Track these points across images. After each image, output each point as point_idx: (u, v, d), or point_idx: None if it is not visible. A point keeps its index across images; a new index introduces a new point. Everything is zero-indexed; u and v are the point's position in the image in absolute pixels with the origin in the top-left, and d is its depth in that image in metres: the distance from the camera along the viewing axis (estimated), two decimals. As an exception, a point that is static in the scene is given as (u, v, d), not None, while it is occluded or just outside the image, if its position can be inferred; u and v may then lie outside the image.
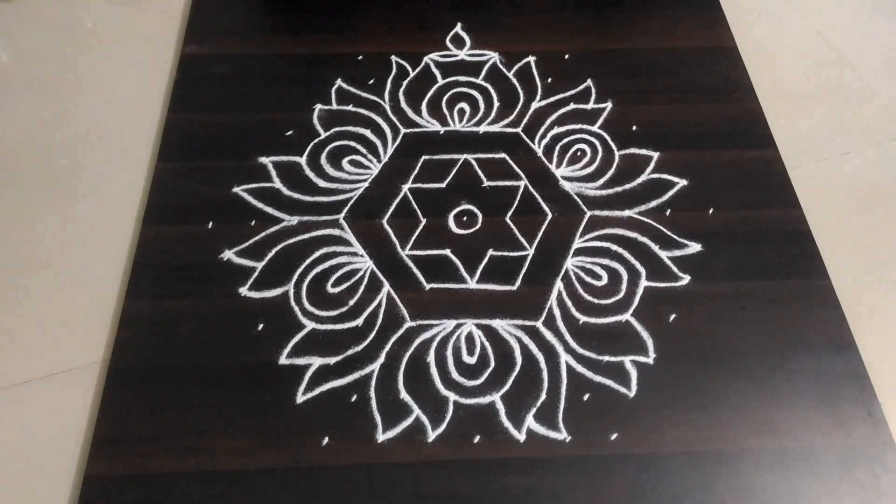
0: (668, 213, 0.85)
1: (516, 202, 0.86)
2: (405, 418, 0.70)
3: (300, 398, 0.71)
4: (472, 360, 0.74)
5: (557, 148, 0.91)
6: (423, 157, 0.89)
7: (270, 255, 0.81)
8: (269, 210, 0.84)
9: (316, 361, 0.73)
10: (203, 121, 0.92)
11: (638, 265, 0.81)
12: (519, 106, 0.95)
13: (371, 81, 0.97)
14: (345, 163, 0.89)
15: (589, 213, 0.85)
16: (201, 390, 0.71)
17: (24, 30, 1.05)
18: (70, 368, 0.74)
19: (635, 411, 0.71)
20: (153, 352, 0.74)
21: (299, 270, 0.80)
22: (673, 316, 0.77)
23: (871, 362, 0.75)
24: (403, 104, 0.95)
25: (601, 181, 0.88)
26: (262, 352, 0.74)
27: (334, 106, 0.95)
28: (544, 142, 0.91)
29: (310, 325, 0.76)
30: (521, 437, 0.69)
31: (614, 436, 0.70)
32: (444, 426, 0.70)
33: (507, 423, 0.70)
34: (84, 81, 0.99)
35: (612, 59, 1.01)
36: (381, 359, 0.74)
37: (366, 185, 0.87)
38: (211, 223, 0.83)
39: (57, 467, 0.68)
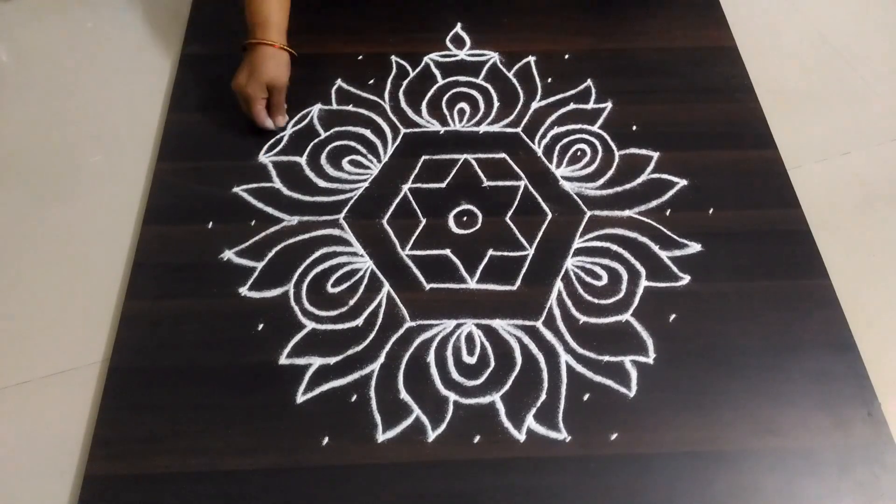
0: (668, 213, 0.85)
1: (516, 202, 0.86)
2: (405, 418, 0.70)
3: (300, 398, 0.71)
4: (472, 360, 0.74)
5: (557, 148, 0.91)
6: (423, 157, 0.89)
7: (270, 255, 0.81)
8: (269, 210, 0.84)
9: (316, 361, 0.73)
10: (203, 121, 0.92)
11: (638, 265, 0.81)
12: (519, 106, 0.95)
13: (371, 81, 0.97)
14: (345, 163, 0.89)
15: (589, 213, 0.85)
16: (201, 390, 0.71)
17: (24, 30, 1.05)
18: (70, 368, 0.74)
19: (635, 411, 0.71)
20: (153, 352, 0.74)
21: (299, 270, 0.80)
22: (673, 316, 0.77)
23: (871, 362, 0.75)
24: (403, 104, 0.95)
25: (601, 181, 0.88)
26: (262, 352, 0.74)
27: (334, 106, 0.95)
28: (544, 142, 0.91)
29: (310, 325, 0.76)
30: (521, 437, 0.69)
31: (614, 436, 0.70)
32: (444, 426, 0.70)
33: (507, 423, 0.70)
34: (84, 81, 0.99)
35: (612, 59, 1.01)
36: (381, 359, 0.74)
37: (366, 185, 0.87)
38: (211, 223, 0.83)
39: (57, 467, 0.68)
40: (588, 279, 0.80)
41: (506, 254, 0.82)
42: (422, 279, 0.79)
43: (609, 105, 0.95)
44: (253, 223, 0.83)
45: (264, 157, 0.89)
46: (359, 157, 0.90)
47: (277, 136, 0.91)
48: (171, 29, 1.04)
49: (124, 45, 1.03)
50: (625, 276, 0.80)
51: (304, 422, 0.70)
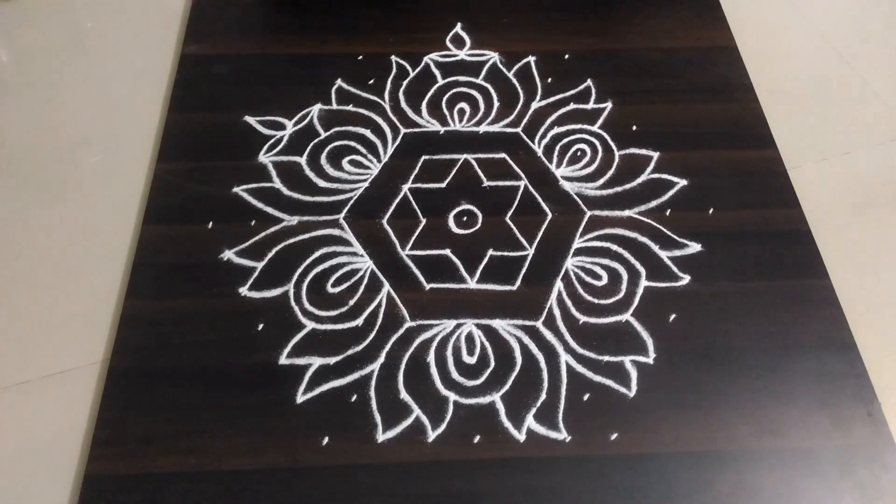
0: (668, 213, 0.85)
1: (516, 202, 0.86)
2: (405, 418, 0.70)
3: (300, 398, 0.71)
4: (472, 360, 0.74)
5: (557, 148, 0.91)
6: (423, 157, 0.89)
7: (270, 255, 0.81)
8: (269, 210, 0.84)
9: (316, 361, 0.73)
10: (203, 121, 0.92)
11: (638, 265, 0.81)
12: (519, 106, 0.95)
13: (371, 81, 0.97)
14: (345, 163, 0.89)
15: (589, 213, 0.85)
16: (201, 390, 0.71)
17: (24, 30, 1.05)
18: (70, 368, 0.74)
19: (635, 411, 0.71)
20: (153, 352, 0.74)
21: (299, 270, 0.80)
22: (673, 316, 0.77)
23: (871, 362, 0.75)
24: (403, 104, 0.95)
25: (601, 181, 0.88)
26: (262, 352, 0.74)
27: (334, 106, 0.95)
28: (544, 142, 0.91)
29: (310, 325, 0.76)
30: (521, 437, 0.69)
31: (614, 436, 0.70)
32: (444, 426, 0.70)
33: (507, 423, 0.70)
34: (84, 81, 0.99)
35: (612, 59, 1.01)
36: (381, 359, 0.74)
37: (366, 185, 0.87)
38: (211, 223, 0.83)
39: (57, 467, 0.68)
40: (588, 279, 0.80)
41: (506, 254, 0.82)
42: (422, 279, 0.79)
43: (609, 105, 0.95)
44: (253, 223, 0.83)
45: (264, 157, 0.89)
46: (359, 157, 0.90)
47: (278, 136, 0.91)
48: (170, 29, 1.04)
49: (124, 45, 1.03)
50: (625, 276, 0.80)
51: (304, 422, 0.70)
